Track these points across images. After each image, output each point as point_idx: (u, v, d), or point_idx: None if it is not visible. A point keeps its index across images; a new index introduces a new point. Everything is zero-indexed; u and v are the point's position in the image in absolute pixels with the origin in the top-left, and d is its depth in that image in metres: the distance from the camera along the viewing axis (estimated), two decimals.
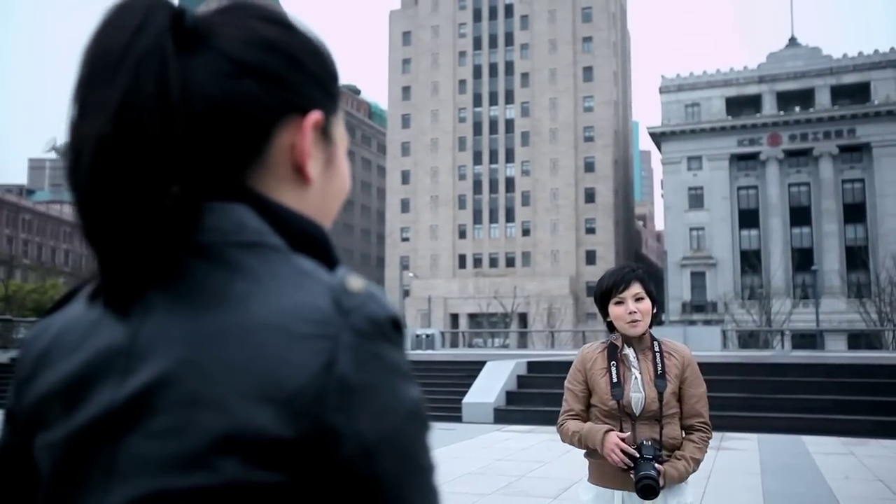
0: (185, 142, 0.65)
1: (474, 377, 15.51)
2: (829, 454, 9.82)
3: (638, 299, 2.84)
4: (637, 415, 2.78)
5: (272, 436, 0.61)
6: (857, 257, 66.20)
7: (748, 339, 43.61)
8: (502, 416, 14.18)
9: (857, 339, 50.38)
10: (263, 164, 0.71)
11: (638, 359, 2.85)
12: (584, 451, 2.92)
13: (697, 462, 2.78)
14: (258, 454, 0.61)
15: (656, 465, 2.66)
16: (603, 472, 2.82)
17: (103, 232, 0.65)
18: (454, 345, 44.08)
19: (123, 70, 0.64)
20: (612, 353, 2.87)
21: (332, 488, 0.63)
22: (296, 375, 0.62)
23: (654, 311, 2.90)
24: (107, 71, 0.65)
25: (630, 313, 2.81)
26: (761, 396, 13.61)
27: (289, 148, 0.72)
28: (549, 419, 13.39)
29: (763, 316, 56.54)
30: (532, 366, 16.44)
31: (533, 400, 14.85)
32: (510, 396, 15.06)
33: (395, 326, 0.66)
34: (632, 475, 2.68)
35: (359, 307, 0.65)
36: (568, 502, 6.96)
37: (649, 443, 2.71)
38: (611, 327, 2.94)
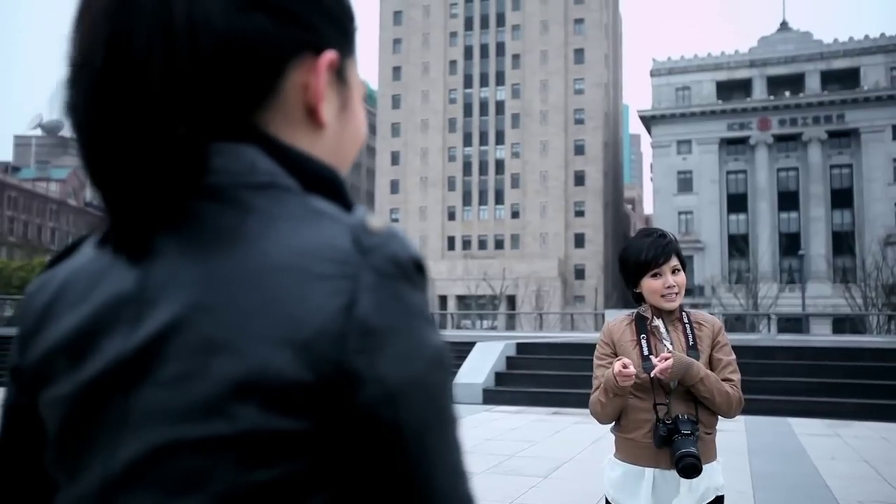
0: (190, 78, 0.61)
1: (463, 358, 15.55)
2: (814, 435, 9.94)
3: (675, 271, 2.74)
4: (672, 388, 2.65)
5: (291, 380, 0.58)
6: (843, 242, 66.71)
7: (735, 322, 43.92)
8: (491, 396, 14.24)
9: (841, 324, 50.81)
10: (275, 106, 0.68)
11: (668, 330, 2.75)
12: (610, 424, 2.79)
13: (718, 382, 2.61)
14: (277, 399, 0.58)
15: (694, 442, 2.54)
16: (632, 448, 2.68)
17: (107, 171, 0.62)
18: (442, 326, 44.17)
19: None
20: (641, 324, 2.76)
21: (354, 436, 0.60)
22: (314, 316, 0.59)
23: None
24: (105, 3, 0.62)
25: (668, 287, 2.71)
26: (748, 379, 13.62)
27: (302, 89, 0.68)
28: (538, 400, 13.59)
29: (750, 300, 56.93)
30: (521, 347, 16.49)
31: (522, 381, 14.92)
32: (499, 377, 15.12)
33: (417, 268, 0.63)
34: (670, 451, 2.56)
35: (380, 246, 0.62)
36: (558, 481, 7.01)
37: (685, 417, 2.59)
38: (637, 298, 2.82)
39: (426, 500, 0.62)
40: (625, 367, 2.56)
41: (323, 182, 0.68)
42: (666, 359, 2.59)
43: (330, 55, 0.69)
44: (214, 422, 0.58)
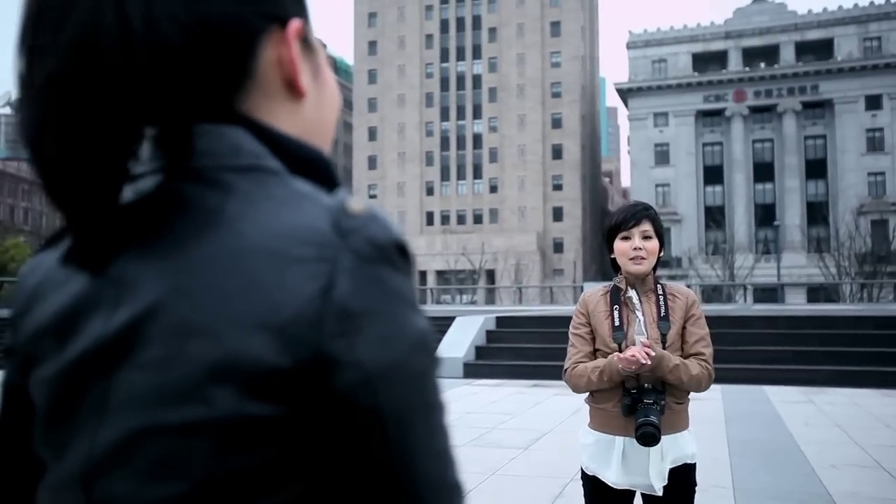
0: (159, 73, 0.60)
1: (443, 333, 15.60)
2: (789, 402, 10.11)
3: (645, 237, 2.75)
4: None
5: (267, 364, 0.58)
6: (817, 212, 67.56)
7: (711, 293, 44.44)
8: (472, 370, 14.32)
9: (816, 293, 51.61)
10: (254, 85, 0.67)
11: (641, 301, 2.77)
12: (585, 395, 2.82)
13: (687, 369, 2.64)
14: (253, 385, 0.58)
15: (657, 411, 2.59)
16: (604, 417, 2.74)
17: (66, 190, 0.61)
18: (422, 301, 43.77)
19: (76, 3, 0.60)
20: (615, 295, 2.79)
21: (332, 422, 0.59)
22: (291, 300, 0.58)
23: (661, 254, 2.80)
24: (56, 5, 0.61)
25: (635, 249, 2.73)
26: (724, 348, 13.84)
27: (276, 63, 0.68)
28: (518, 373, 13.68)
29: (726, 270, 57.58)
30: (501, 321, 16.57)
31: (502, 354, 15.01)
32: (479, 351, 15.20)
33: (400, 251, 0.62)
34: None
35: (359, 228, 0.61)
36: (538, 452, 7.08)
37: (650, 387, 2.63)
38: (615, 267, 2.85)
39: (410, 487, 0.61)
40: (633, 356, 2.57)
41: (309, 163, 0.68)
42: (645, 349, 2.59)
43: (296, 24, 0.69)
44: (191, 407, 0.58)
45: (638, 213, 2.78)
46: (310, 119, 0.72)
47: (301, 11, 0.72)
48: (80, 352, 0.64)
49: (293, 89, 0.70)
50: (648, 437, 2.57)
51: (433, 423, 0.63)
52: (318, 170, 0.68)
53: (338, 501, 0.62)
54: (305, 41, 0.72)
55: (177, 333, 0.59)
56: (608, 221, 2.85)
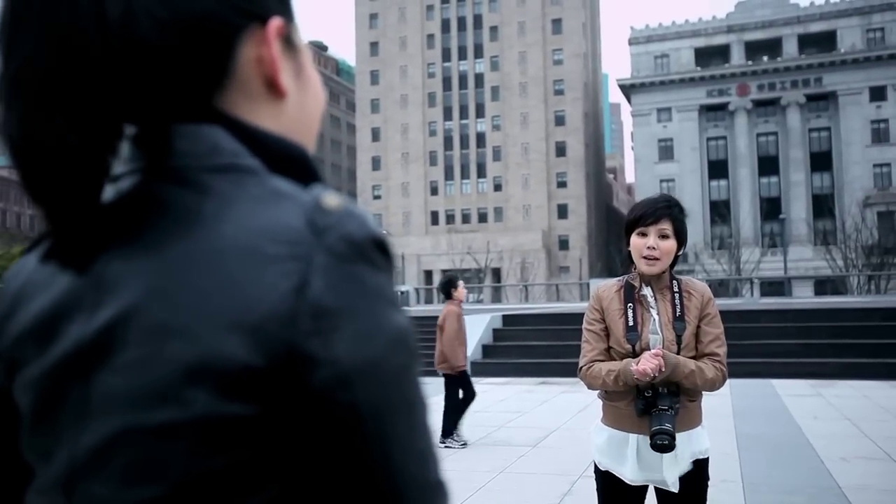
0: (137, 69, 0.60)
1: None
2: (797, 396, 10.10)
3: (662, 236, 2.66)
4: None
5: (242, 364, 0.57)
6: (823, 205, 67.29)
7: (718, 287, 44.30)
8: (479, 369, 14.33)
9: (823, 285, 51.40)
10: (233, 84, 0.67)
11: (656, 298, 2.70)
12: (600, 391, 2.78)
13: (702, 373, 2.59)
14: (228, 384, 0.57)
15: (671, 416, 2.55)
16: (617, 414, 2.70)
17: (46, 187, 0.61)
18: (429, 301, 44.23)
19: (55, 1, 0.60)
20: (629, 293, 2.71)
21: (310, 421, 0.59)
22: (265, 299, 0.58)
23: (681, 252, 2.72)
24: (34, 2, 0.61)
25: (648, 248, 2.64)
26: (732, 343, 13.78)
27: (256, 62, 0.67)
28: (525, 371, 13.71)
29: (732, 265, 57.47)
30: (507, 319, 16.59)
31: (509, 353, 15.03)
32: (486, 350, 15.23)
33: (378, 247, 0.62)
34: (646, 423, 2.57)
35: (334, 226, 0.60)
36: (547, 450, 7.09)
37: (664, 390, 2.59)
38: (630, 261, 2.77)
39: (391, 486, 0.60)
40: (645, 372, 2.54)
41: (290, 160, 0.67)
42: (655, 356, 2.55)
43: (277, 22, 0.69)
44: (168, 408, 0.58)
45: (658, 211, 2.68)
46: (292, 118, 0.71)
47: (283, 10, 0.71)
48: (61, 355, 0.63)
49: (274, 88, 0.69)
50: (664, 448, 2.53)
51: (414, 420, 0.62)
52: (300, 166, 0.68)
53: (319, 502, 0.61)
54: (288, 40, 0.71)
55: (153, 335, 0.59)
56: (628, 214, 2.77)
